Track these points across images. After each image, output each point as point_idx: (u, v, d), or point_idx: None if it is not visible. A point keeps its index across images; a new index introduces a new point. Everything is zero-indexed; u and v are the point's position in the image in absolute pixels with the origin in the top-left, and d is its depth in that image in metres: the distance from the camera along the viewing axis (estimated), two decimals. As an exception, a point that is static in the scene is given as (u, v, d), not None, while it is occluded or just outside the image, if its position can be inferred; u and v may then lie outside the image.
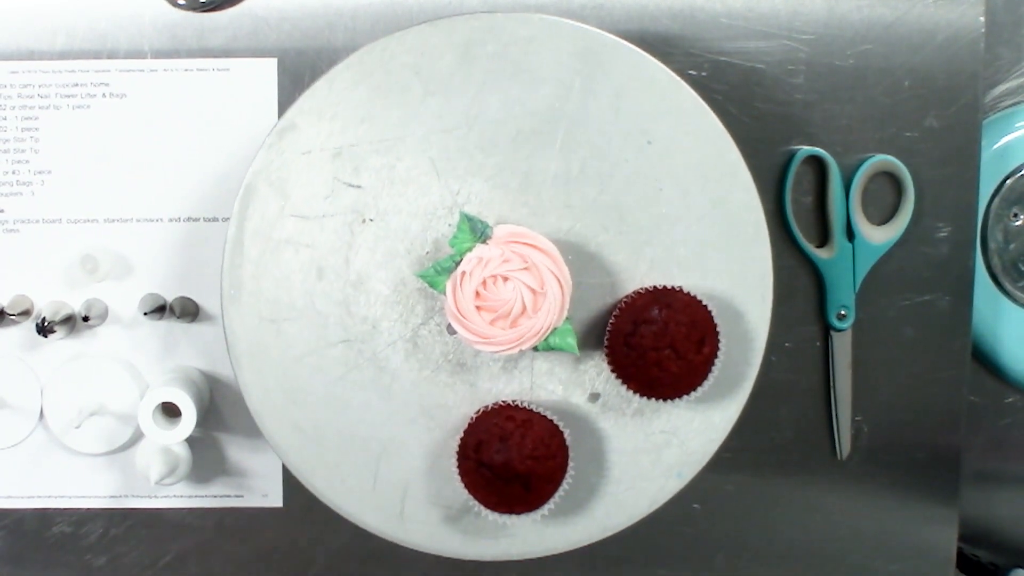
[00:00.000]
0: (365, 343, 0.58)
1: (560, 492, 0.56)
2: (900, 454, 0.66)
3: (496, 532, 0.58)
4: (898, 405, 0.66)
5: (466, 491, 0.55)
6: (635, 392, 0.56)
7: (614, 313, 0.57)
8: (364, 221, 0.57)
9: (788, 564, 0.67)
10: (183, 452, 0.62)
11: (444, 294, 0.55)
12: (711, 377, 0.55)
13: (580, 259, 0.57)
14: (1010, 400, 0.73)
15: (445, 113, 0.57)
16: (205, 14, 0.63)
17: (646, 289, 0.56)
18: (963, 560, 0.71)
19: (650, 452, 0.58)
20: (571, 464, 0.56)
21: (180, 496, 0.66)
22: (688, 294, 0.55)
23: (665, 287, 0.56)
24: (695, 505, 0.66)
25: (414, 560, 0.60)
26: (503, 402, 0.57)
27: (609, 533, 0.58)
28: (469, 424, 0.56)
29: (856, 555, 0.67)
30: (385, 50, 0.56)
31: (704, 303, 0.55)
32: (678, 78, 0.56)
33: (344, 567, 0.67)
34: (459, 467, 0.56)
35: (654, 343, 0.54)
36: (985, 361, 0.71)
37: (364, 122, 0.57)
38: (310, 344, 0.57)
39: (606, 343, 0.56)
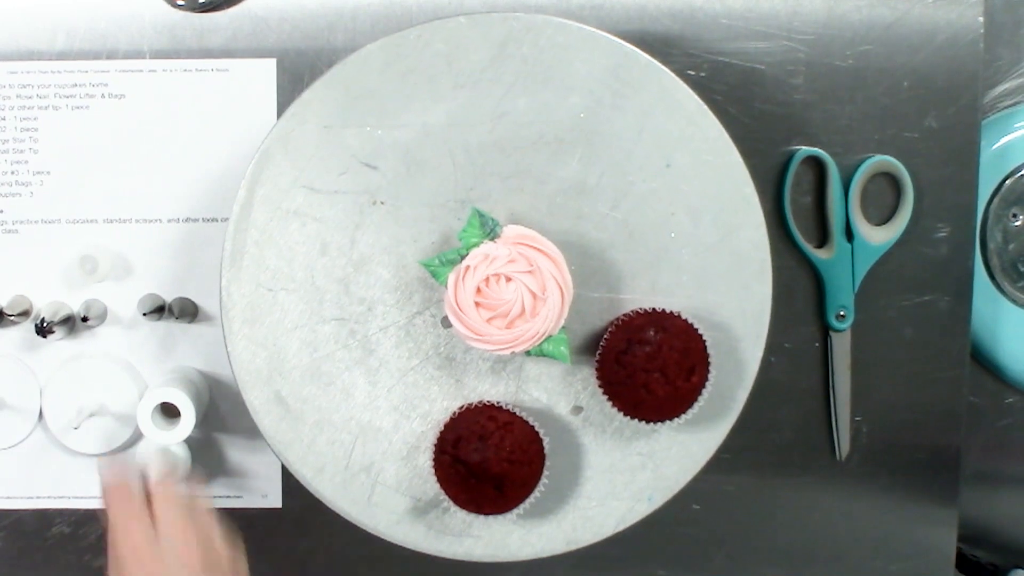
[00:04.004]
0: (358, 324, 0.58)
1: (531, 499, 0.56)
2: (900, 454, 0.66)
3: (461, 531, 0.58)
4: (898, 405, 0.66)
5: (438, 485, 0.55)
6: (619, 410, 0.56)
7: (609, 329, 0.57)
8: (375, 203, 0.57)
9: (788, 564, 0.67)
10: (182, 452, 0.62)
11: (445, 286, 0.55)
12: (696, 406, 0.55)
13: (584, 271, 0.57)
14: (1010, 400, 0.73)
15: (471, 107, 0.57)
16: (204, 14, 0.63)
17: (644, 310, 0.56)
18: (963, 560, 0.71)
19: (624, 472, 0.58)
20: (545, 472, 0.56)
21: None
22: (685, 321, 0.55)
23: (663, 311, 0.56)
24: (695, 505, 0.66)
25: (413, 561, 0.60)
26: (487, 402, 0.57)
27: (573, 547, 0.58)
28: (450, 419, 0.56)
29: (856, 555, 0.67)
30: (420, 37, 0.56)
31: (700, 332, 0.55)
32: (705, 107, 0.56)
33: (343, 568, 0.67)
34: (434, 461, 0.56)
35: (645, 364, 0.54)
36: (985, 361, 0.71)
37: (390, 104, 0.57)
38: (304, 317, 0.57)
39: (597, 358, 0.56)
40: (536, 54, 0.56)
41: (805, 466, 0.67)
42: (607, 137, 0.57)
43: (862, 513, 0.67)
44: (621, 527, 0.58)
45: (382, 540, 0.58)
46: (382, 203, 0.57)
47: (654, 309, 0.56)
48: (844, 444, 0.66)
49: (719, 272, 0.57)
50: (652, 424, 0.56)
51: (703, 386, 0.55)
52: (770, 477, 0.67)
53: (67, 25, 0.63)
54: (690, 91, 0.56)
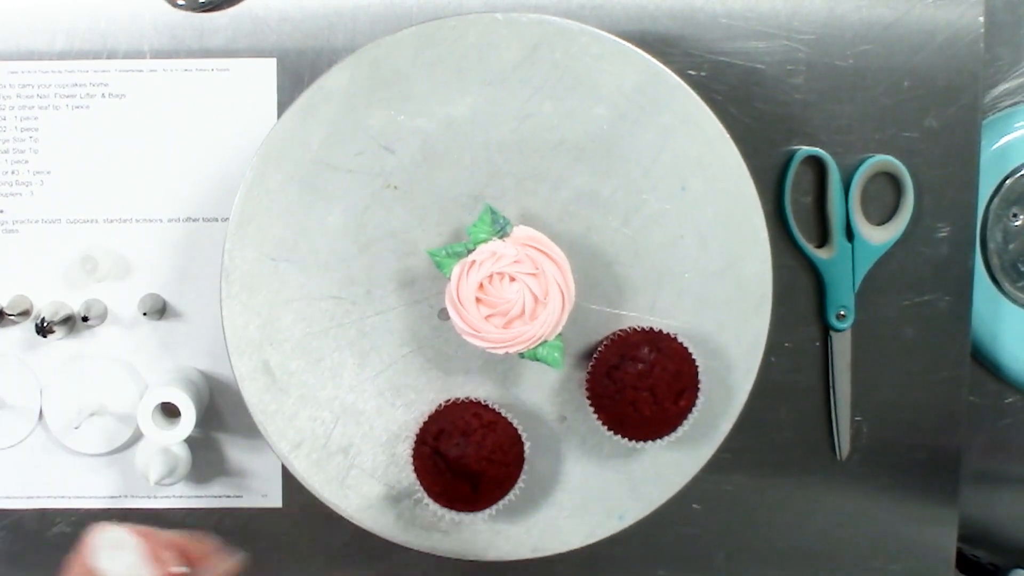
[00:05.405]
0: (356, 304, 0.58)
1: (504, 500, 0.55)
2: (900, 454, 0.66)
3: (430, 524, 0.58)
4: (898, 405, 0.66)
5: (414, 475, 0.55)
6: (603, 424, 0.56)
7: (604, 342, 0.57)
8: (388, 187, 0.57)
9: (788, 564, 0.67)
10: (182, 452, 0.62)
11: (448, 277, 0.55)
12: (680, 430, 0.55)
13: (587, 281, 0.57)
14: (1010, 400, 0.73)
15: (496, 105, 0.57)
16: (205, 14, 0.63)
17: (641, 328, 0.56)
18: (963, 560, 0.71)
19: (599, 488, 0.58)
20: (522, 476, 0.56)
21: (180, 496, 0.66)
22: (681, 344, 0.55)
23: (660, 331, 0.56)
24: (695, 505, 0.66)
25: (413, 561, 0.60)
26: (474, 399, 0.57)
27: (538, 555, 0.58)
28: (435, 411, 0.56)
29: (856, 555, 0.67)
30: (455, 28, 0.56)
31: (694, 357, 0.55)
32: (727, 134, 0.57)
33: (343, 568, 0.67)
34: (414, 451, 0.56)
35: (635, 382, 0.54)
36: (985, 361, 0.71)
37: (416, 91, 0.57)
38: (302, 291, 0.57)
39: (589, 370, 0.56)
40: (567, 61, 0.56)
41: (805, 466, 0.67)
42: (626, 152, 0.57)
43: (862, 513, 0.67)
44: (589, 541, 0.58)
45: (382, 540, 0.58)
46: (395, 188, 0.57)
47: (651, 328, 0.56)
48: (844, 444, 0.66)
49: (720, 300, 0.57)
50: (633, 442, 0.56)
51: (690, 411, 0.55)
52: (770, 477, 0.67)
53: (67, 25, 0.63)
54: (713, 117, 0.57)
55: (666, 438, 0.55)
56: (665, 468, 0.58)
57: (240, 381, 0.57)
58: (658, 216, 0.57)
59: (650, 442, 0.56)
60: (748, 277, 0.57)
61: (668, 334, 0.56)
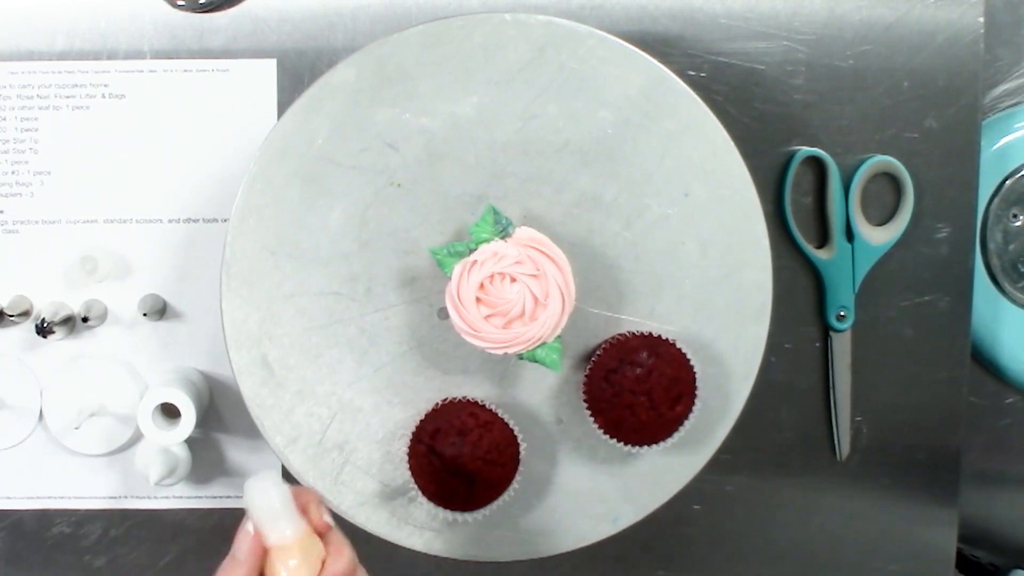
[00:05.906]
0: (355, 301, 0.58)
1: (499, 501, 0.55)
2: (900, 454, 0.66)
3: (424, 523, 0.58)
4: (898, 405, 0.66)
5: (409, 473, 0.55)
6: (599, 428, 0.56)
7: (602, 346, 0.57)
8: (391, 184, 0.57)
9: (788, 564, 0.67)
10: (182, 453, 0.62)
11: (449, 276, 0.55)
12: (676, 436, 0.55)
13: (587, 284, 0.57)
14: (1010, 400, 0.73)
15: (501, 105, 0.57)
16: (205, 15, 0.63)
17: (640, 332, 0.56)
18: (963, 560, 0.71)
19: (594, 491, 0.58)
20: (518, 477, 0.56)
21: (180, 497, 0.66)
22: (679, 350, 0.55)
23: (659, 336, 0.56)
24: (695, 505, 0.66)
25: (414, 561, 0.60)
26: (470, 399, 0.57)
27: (531, 557, 0.59)
28: (432, 410, 0.56)
29: (856, 555, 0.67)
30: (463, 28, 0.56)
31: (691, 363, 0.55)
32: (731, 142, 0.57)
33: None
34: (410, 449, 0.56)
35: (632, 386, 0.54)
36: (985, 361, 0.71)
37: (422, 89, 0.57)
38: (303, 286, 0.57)
39: (587, 373, 0.56)
40: (573, 63, 0.56)
41: (805, 466, 0.67)
42: (630, 156, 0.57)
43: (862, 513, 0.67)
44: (581, 544, 0.58)
45: (382, 541, 0.58)
46: (398, 186, 0.57)
47: (650, 333, 0.56)
48: (844, 444, 0.66)
49: (719, 307, 0.57)
50: (629, 447, 0.56)
51: (686, 416, 0.55)
52: (770, 477, 0.67)
53: (67, 25, 0.63)
54: (719, 124, 0.57)
55: (662, 443, 0.55)
56: (660, 473, 0.58)
57: (238, 375, 0.57)
58: (660, 221, 0.57)
59: (646, 447, 0.56)
60: (748, 285, 0.57)
61: (667, 339, 0.56)
